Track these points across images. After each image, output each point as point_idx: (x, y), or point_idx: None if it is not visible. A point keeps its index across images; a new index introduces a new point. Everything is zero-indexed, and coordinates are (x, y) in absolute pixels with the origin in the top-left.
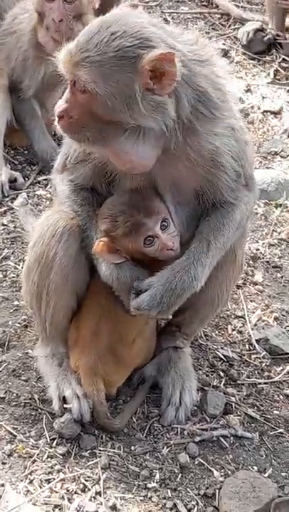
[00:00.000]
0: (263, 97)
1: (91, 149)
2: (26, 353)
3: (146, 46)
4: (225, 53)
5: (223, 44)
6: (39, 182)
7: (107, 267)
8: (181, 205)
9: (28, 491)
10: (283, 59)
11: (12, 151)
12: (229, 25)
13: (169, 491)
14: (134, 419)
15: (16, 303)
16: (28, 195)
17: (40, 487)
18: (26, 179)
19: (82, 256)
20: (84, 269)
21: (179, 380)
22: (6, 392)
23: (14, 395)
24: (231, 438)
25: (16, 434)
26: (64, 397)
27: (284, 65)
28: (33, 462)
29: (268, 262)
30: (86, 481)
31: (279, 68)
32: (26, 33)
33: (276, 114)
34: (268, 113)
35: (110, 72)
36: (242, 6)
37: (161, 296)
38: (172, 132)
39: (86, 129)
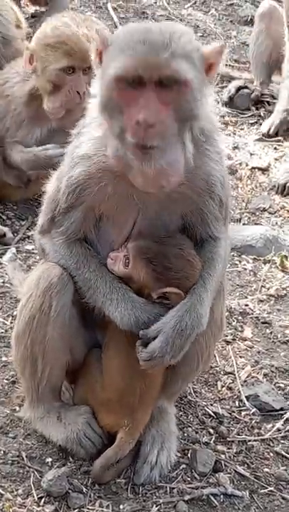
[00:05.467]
0: (251, 154)
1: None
2: (14, 409)
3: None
4: None
5: None
6: (28, 237)
7: (125, 312)
8: None
9: None
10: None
11: (1, 206)
12: (217, 84)
13: None
14: (122, 478)
15: (4, 359)
16: (17, 251)
17: None
18: (15, 234)
19: (76, 310)
20: (79, 323)
21: (158, 440)
22: None
23: (1, 452)
24: (221, 496)
25: (3, 492)
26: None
27: None
28: None
29: (257, 317)
30: None
31: None
32: (20, 96)
33: (264, 170)
34: (256, 169)
35: (193, 61)
36: (229, 65)
37: (173, 340)
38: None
39: (168, 131)
